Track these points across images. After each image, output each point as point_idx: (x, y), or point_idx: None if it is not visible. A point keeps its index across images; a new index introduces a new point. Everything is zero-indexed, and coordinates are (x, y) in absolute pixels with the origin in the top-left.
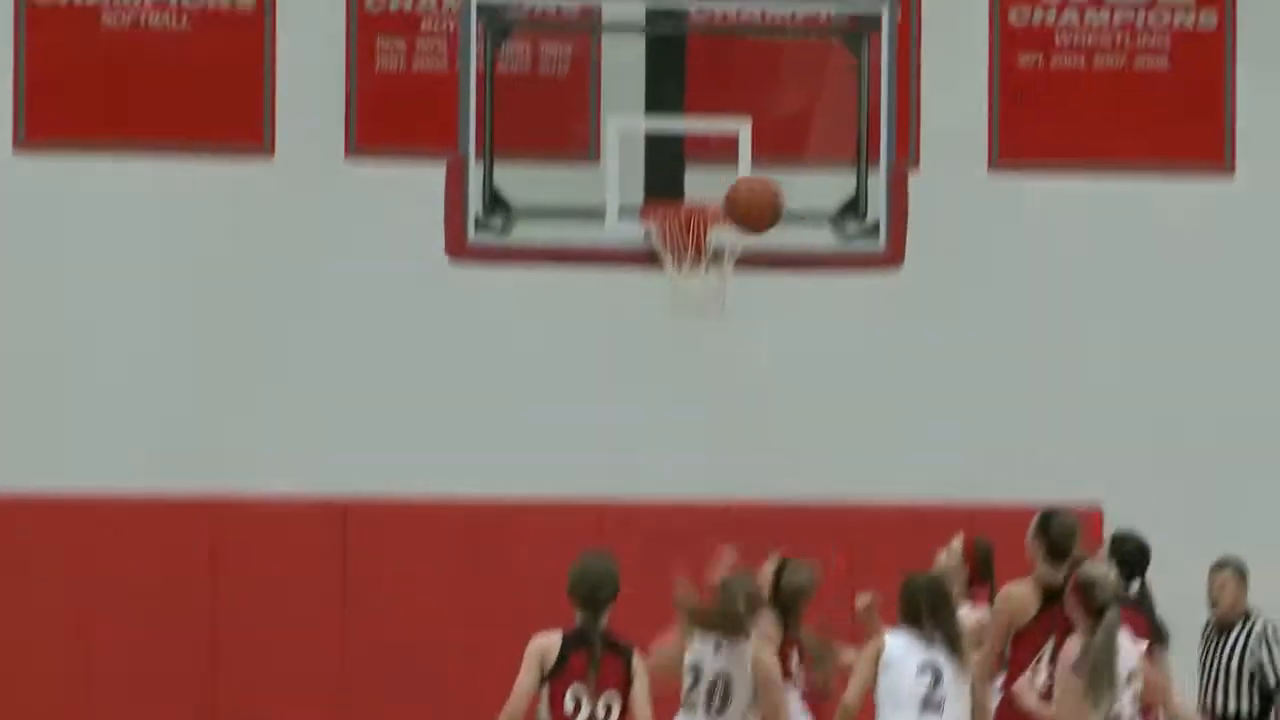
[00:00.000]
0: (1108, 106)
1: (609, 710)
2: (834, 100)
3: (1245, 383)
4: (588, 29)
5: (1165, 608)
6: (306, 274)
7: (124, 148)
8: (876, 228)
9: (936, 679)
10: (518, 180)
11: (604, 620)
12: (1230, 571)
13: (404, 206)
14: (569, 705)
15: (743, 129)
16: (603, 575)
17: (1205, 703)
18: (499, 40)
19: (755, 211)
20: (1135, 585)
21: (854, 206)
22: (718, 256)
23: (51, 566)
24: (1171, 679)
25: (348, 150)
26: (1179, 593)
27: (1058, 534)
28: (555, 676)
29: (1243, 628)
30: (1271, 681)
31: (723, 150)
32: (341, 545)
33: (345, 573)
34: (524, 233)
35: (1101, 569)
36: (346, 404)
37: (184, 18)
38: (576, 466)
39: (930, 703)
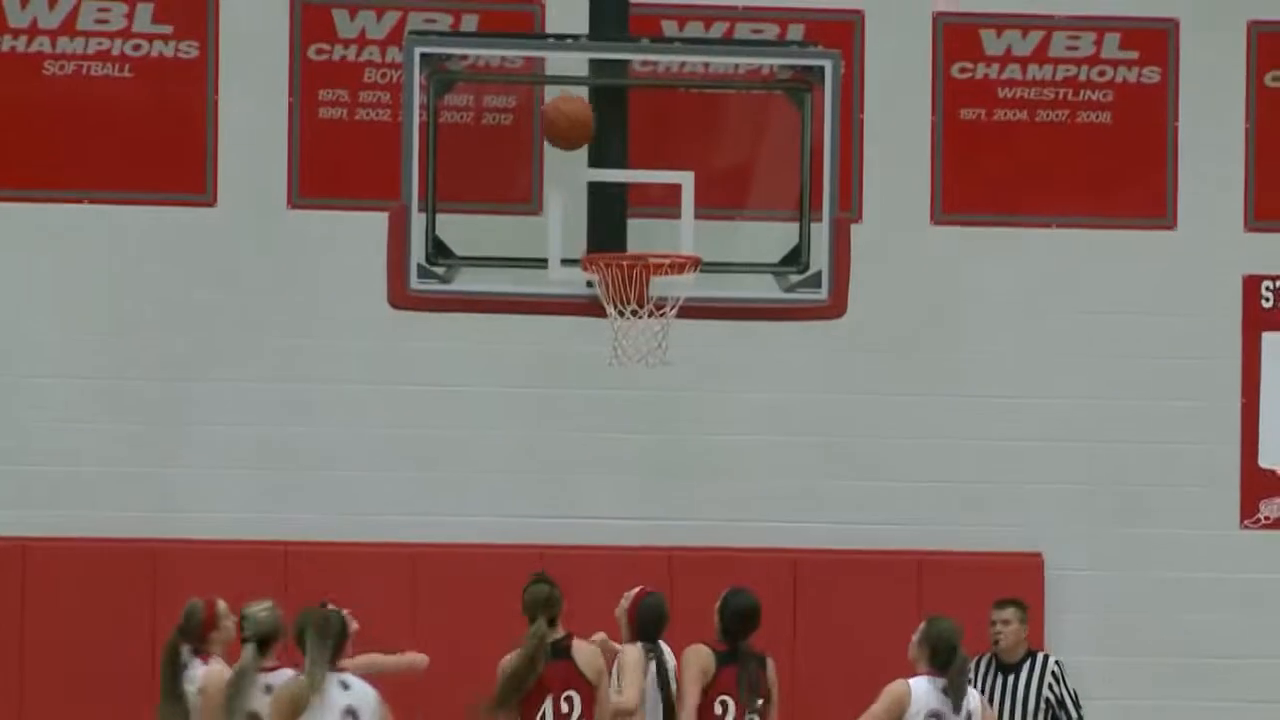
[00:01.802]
0: (1050, 159)
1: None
2: (777, 152)
3: (1183, 432)
4: (531, 80)
5: (1108, 645)
6: (249, 321)
7: (65, 195)
8: (819, 278)
9: None
10: (460, 229)
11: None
12: (1013, 610)
13: (346, 255)
14: None
15: (685, 180)
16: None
17: None
18: (442, 91)
19: (573, 132)
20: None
21: (796, 257)
22: (660, 306)
23: None
24: None
25: (290, 199)
26: (1116, 635)
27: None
28: None
29: (1031, 665)
30: (1069, 716)
31: (665, 200)
32: (283, 587)
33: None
34: (466, 281)
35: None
36: (287, 449)
37: (126, 66)
38: (515, 509)
39: None
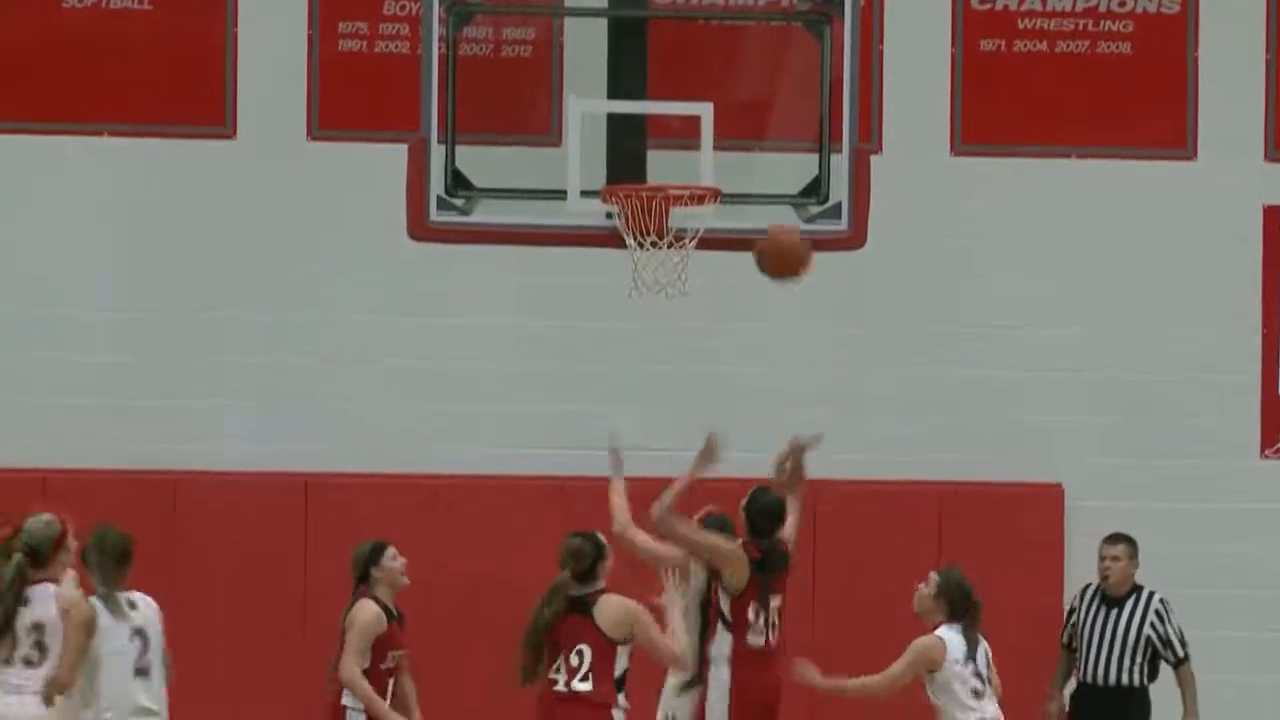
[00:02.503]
0: (1070, 90)
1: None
2: (796, 83)
3: (1205, 364)
4: (550, 12)
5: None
6: (269, 253)
7: (86, 129)
8: (839, 209)
9: None
10: (480, 161)
11: None
12: (1124, 546)
13: (366, 187)
14: None
15: (705, 111)
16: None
17: (1093, 671)
18: (461, 23)
19: (785, 264)
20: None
21: (816, 188)
22: (679, 237)
23: None
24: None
25: (310, 131)
26: (1142, 560)
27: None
28: None
29: (1136, 601)
30: (1175, 655)
31: (685, 132)
32: (303, 519)
33: (307, 546)
34: (486, 213)
35: None
36: (308, 379)
37: None
38: (535, 441)
39: None
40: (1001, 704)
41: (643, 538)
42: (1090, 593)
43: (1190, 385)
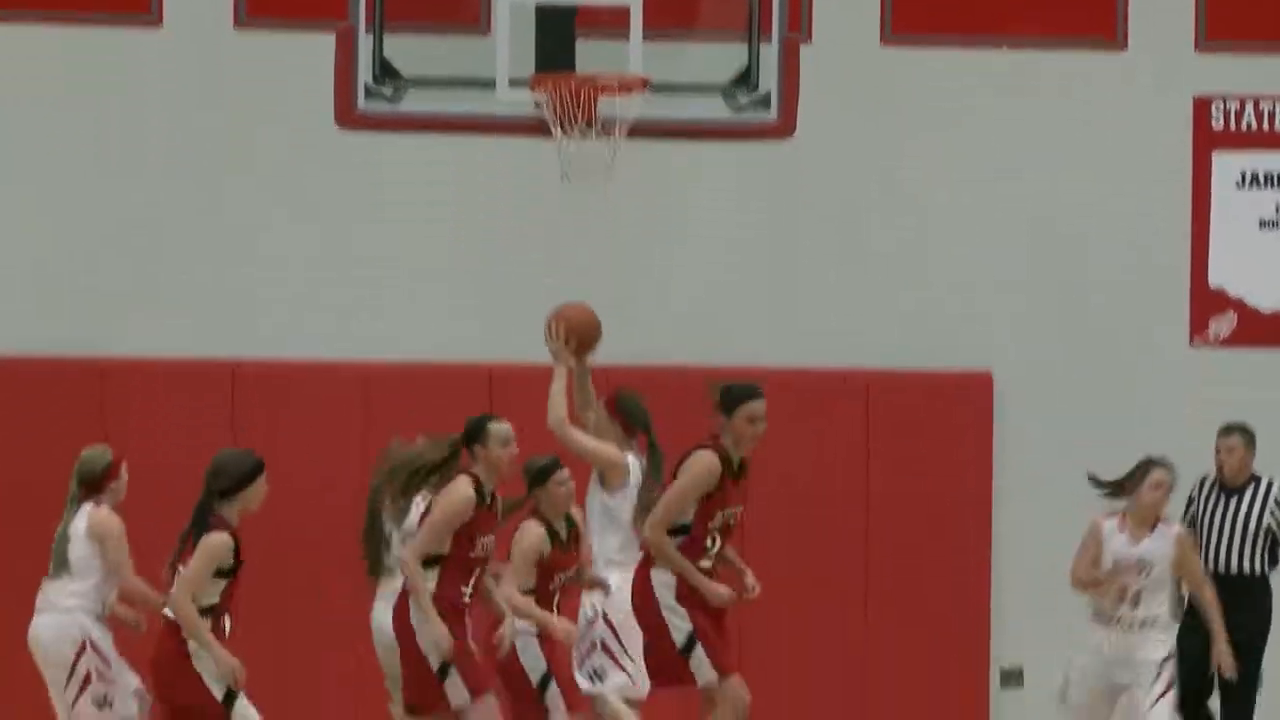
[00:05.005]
0: None
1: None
2: None
3: (1134, 254)
4: None
5: (1057, 460)
6: (196, 142)
7: (11, 16)
8: (768, 98)
9: None
10: (408, 50)
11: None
12: (1238, 436)
13: (294, 75)
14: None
15: (634, 0)
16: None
17: (1214, 560)
18: None
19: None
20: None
21: (745, 77)
22: (608, 125)
23: None
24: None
25: (237, 19)
26: (1065, 453)
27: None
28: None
29: (1255, 490)
30: None
31: (614, 21)
32: (229, 405)
33: (234, 433)
34: (413, 102)
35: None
36: (236, 269)
37: None
38: (464, 329)
39: None
40: None
41: (577, 434)
42: (1208, 483)
43: (1121, 273)
